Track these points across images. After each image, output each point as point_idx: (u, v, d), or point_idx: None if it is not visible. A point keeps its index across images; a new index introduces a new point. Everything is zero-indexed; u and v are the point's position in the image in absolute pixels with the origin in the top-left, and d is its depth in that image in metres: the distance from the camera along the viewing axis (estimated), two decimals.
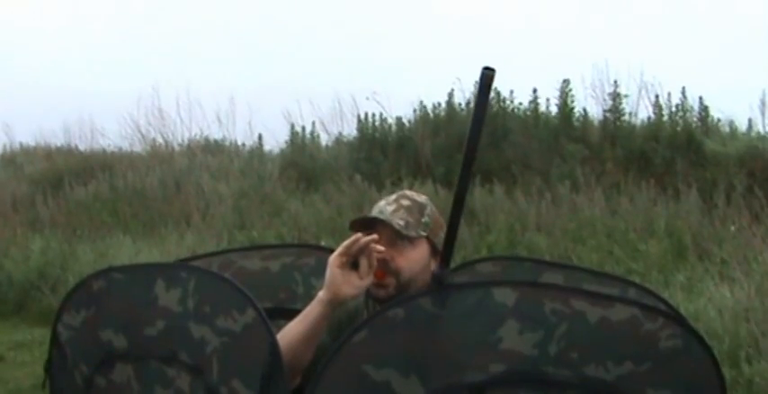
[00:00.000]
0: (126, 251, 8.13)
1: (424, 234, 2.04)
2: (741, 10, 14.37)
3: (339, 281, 1.87)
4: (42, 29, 19.34)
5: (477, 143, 1.63)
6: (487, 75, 1.59)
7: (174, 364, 1.78)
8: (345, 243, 1.88)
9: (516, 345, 1.59)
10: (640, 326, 1.62)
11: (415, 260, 2.02)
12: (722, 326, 4.64)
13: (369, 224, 2.02)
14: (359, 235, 1.88)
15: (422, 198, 2.13)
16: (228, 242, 7.99)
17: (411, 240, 2.02)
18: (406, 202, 2.07)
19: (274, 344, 1.66)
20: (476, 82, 1.63)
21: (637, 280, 5.33)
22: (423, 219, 2.06)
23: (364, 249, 1.87)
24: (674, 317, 1.71)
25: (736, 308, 4.79)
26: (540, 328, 1.59)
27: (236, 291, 1.72)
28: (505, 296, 1.61)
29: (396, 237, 2.01)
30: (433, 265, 2.03)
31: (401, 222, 2.01)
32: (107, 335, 1.90)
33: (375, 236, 1.89)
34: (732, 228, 6.56)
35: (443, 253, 1.72)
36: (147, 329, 1.83)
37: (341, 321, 2.03)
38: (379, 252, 1.89)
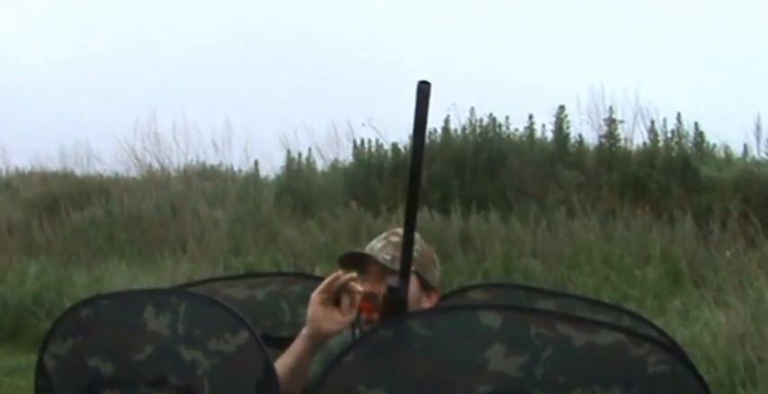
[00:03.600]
0: (121, 277, 8.13)
1: (412, 268, 2.06)
2: (736, 35, 14.47)
3: (320, 317, 1.92)
4: (37, 52, 19.39)
5: (421, 160, 1.69)
6: (423, 88, 1.67)
7: (163, 388, 1.78)
8: (326, 280, 1.93)
9: (503, 367, 1.59)
10: (627, 352, 1.62)
11: None
12: (718, 351, 4.65)
13: (358, 260, 2.07)
14: (339, 273, 1.93)
15: None
16: (224, 268, 7.99)
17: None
18: (394, 239, 2.10)
19: (269, 363, 1.68)
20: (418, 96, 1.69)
21: (633, 306, 5.37)
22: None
23: (344, 287, 1.91)
24: (662, 343, 1.70)
25: (731, 334, 4.80)
26: (525, 351, 1.60)
27: (228, 314, 1.73)
28: (491, 319, 1.62)
29: (383, 272, 2.04)
30: (424, 300, 2.10)
31: (387, 257, 2.05)
32: (94, 362, 1.89)
33: (353, 274, 1.94)
34: (727, 253, 6.57)
35: (401, 267, 1.75)
36: (135, 355, 1.83)
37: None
38: (358, 291, 1.93)
